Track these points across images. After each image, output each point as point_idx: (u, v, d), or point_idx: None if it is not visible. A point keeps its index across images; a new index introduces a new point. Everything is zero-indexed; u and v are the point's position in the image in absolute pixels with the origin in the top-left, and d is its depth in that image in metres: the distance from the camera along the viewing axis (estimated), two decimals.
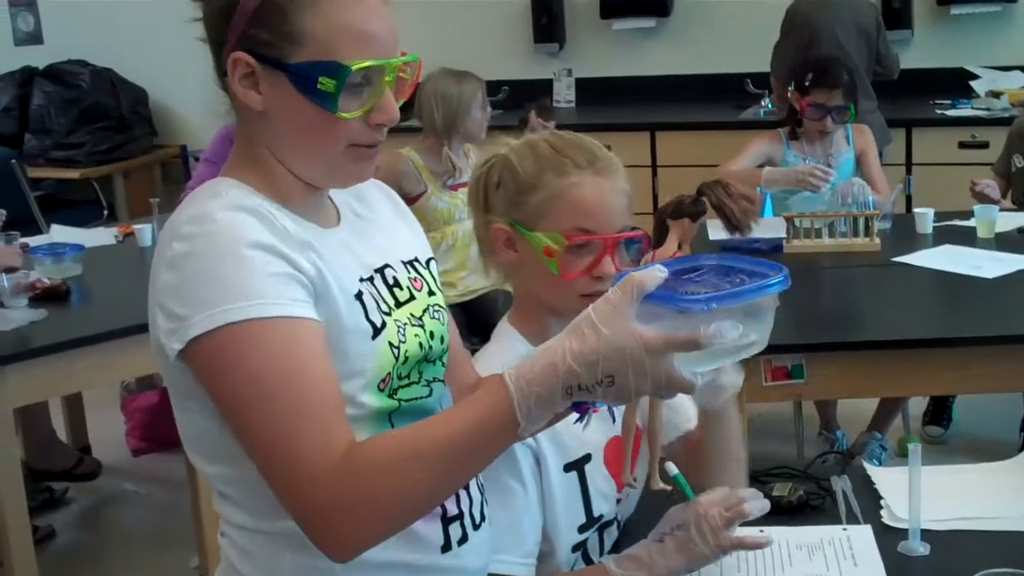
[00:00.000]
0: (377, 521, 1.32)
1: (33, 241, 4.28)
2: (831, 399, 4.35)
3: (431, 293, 1.58)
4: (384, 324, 1.45)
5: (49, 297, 3.63)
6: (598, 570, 1.73)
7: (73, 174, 6.94)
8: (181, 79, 6.98)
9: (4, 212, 4.14)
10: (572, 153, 1.83)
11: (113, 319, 3.49)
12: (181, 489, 4.06)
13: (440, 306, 1.59)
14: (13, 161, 6.05)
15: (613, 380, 1.23)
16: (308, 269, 1.38)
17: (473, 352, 1.87)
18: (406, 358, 1.48)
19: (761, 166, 4.28)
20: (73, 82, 7.14)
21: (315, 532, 1.32)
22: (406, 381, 1.49)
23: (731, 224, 1.34)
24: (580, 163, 1.81)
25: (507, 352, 1.85)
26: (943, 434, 4.48)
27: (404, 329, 1.48)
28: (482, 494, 1.62)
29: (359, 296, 1.44)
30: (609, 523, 1.91)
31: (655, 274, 1.26)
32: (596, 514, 1.87)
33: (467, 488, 1.56)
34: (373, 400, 1.45)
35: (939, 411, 4.51)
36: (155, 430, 4.72)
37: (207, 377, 1.35)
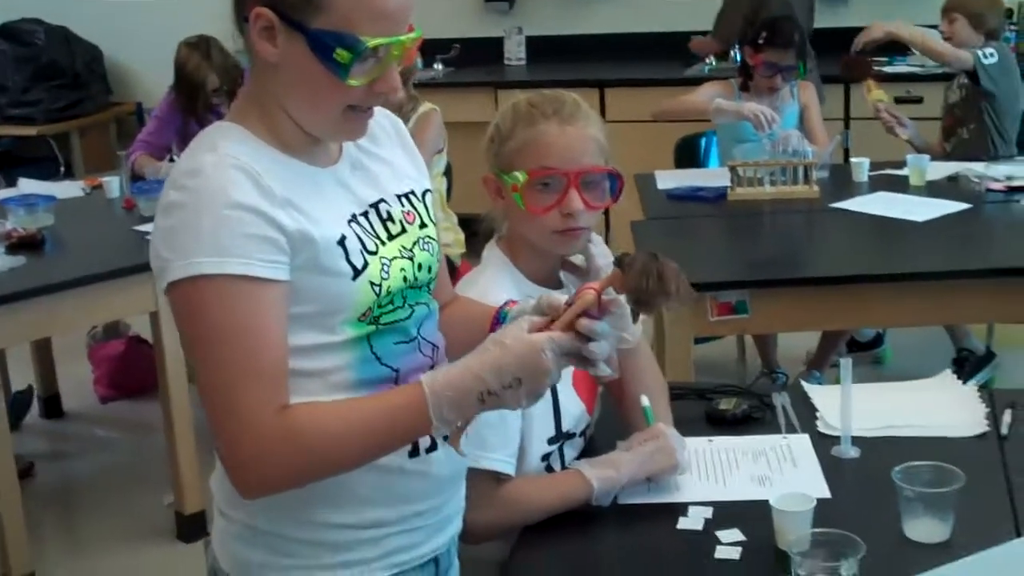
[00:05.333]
0: (299, 473, 1.51)
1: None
2: (772, 337, 4.57)
3: (423, 225, 1.70)
4: (366, 265, 1.58)
5: (25, 245, 3.73)
6: (572, 472, 1.97)
7: (30, 131, 6.99)
8: (135, 37, 7.06)
9: None
10: (542, 105, 2.03)
11: (87, 266, 3.59)
12: (149, 433, 4.22)
13: (431, 237, 1.71)
14: None
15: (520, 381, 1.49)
16: (289, 225, 1.51)
17: None
18: (388, 292, 1.60)
19: None
20: (28, 40, 7.17)
21: (238, 473, 1.50)
22: (388, 308, 1.63)
23: (637, 300, 1.49)
24: (547, 113, 2.01)
25: (500, 277, 2.05)
26: (878, 350, 4.86)
27: (389, 265, 1.61)
28: None
29: (342, 241, 1.56)
30: (570, 436, 2.10)
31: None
32: (565, 429, 2.07)
33: None
34: (353, 331, 1.60)
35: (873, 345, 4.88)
36: (122, 378, 4.81)
37: (177, 316, 1.51)
